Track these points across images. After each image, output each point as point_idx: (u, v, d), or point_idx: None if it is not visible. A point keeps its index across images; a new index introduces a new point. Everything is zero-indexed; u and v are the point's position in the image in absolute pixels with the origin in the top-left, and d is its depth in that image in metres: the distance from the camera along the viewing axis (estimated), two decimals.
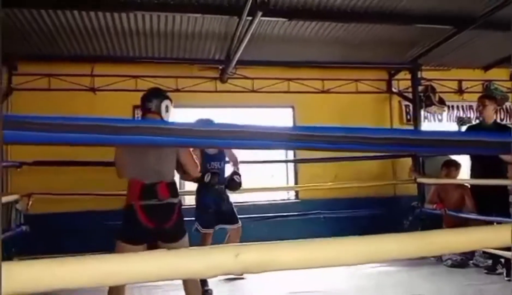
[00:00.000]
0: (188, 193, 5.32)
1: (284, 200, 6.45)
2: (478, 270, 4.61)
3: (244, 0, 4.03)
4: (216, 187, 4.11)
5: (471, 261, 4.76)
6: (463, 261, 4.76)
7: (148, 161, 2.77)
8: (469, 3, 4.45)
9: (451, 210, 4.94)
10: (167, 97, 2.98)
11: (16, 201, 4.57)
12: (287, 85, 6.30)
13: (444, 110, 6.60)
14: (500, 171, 4.24)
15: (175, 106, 3.09)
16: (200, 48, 5.46)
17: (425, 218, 5.40)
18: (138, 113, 6.07)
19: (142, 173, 2.78)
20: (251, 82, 6.18)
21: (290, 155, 6.35)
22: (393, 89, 6.69)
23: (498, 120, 5.80)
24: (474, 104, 6.01)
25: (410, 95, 6.45)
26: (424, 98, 6.31)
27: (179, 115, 5.11)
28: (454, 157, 5.46)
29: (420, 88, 6.32)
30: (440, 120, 6.81)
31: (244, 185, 4.31)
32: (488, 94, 5.58)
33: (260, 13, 4.02)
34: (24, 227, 4.59)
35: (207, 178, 3.90)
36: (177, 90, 5.79)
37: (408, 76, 6.43)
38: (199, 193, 4.22)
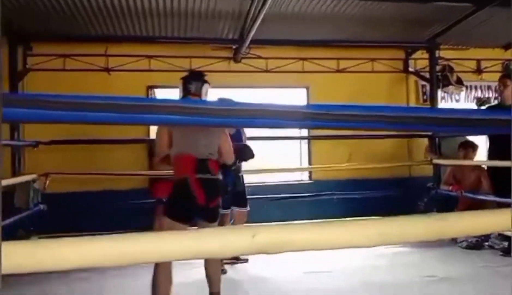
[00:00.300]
0: None
1: (297, 180, 6.45)
2: (493, 252, 4.58)
3: None
4: (233, 167, 4.10)
5: (486, 243, 4.73)
6: (478, 243, 4.73)
7: (199, 137, 2.78)
8: None
9: (468, 192, 4.89)
10: (207, 81, 3.04)
11: (33, 180, 4.65)
12: (302, 65, 6.23)
13: (462, 91, 6.48)
14: None
15: None
16: (214, 28, 5.41)
17: (440, 199, 5.35)
18: (152, 93, 6.10)
19: (194, 148, 2.78)
20: (264, 62, 6.12)
21: (304, 133, 6.31)
22: (410, 69, 6.57)
23: None
24: (493, 85, 5.89)
25: (427, 75, 6.33)
26: (441, 78, 6.20)
27: None
28: (471, 138, 5.38)
29: (438, 67, 6.21)
30: (457, 101, 6.70)
31: (258, 166, 4.31)
32: (510, 74, 5.44)
33: None
34: (42, 206, 4.68)
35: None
36: (191, 70, 5.77)
37: (426, 55, 6.30)
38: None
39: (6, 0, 4.34)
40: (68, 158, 5.40)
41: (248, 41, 5.40)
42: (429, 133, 5.67)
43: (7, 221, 4.00)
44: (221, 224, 4.05)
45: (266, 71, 6.11)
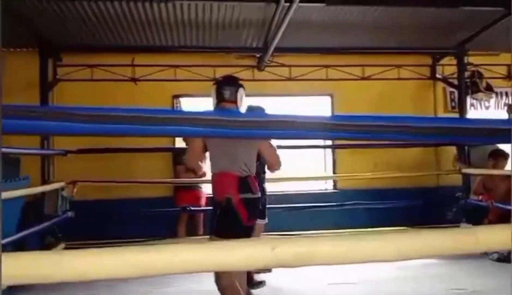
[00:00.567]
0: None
1: (322, 189, 6.39)
2: None
3: None
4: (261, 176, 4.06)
5: None
6: (510, 255, 4.55)
7: (238, 153, 2.71)
8: None
9: (498, 202, 4.73)
10: (242, 85, 2.91)
11: (62, 188, 4.76)
12: (326, 73, 6.18)
13: (491, 97, 6.29)
14: None
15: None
16: (238, 37, 5.45)
17: (470, 209, 5.20)
18: (178, 103, 6.18)
19: (235, 166, 2.72)
20: (288, 70, 6.11)
21: (328, 142, 6.25)
22: (437, 75, 6.43)
23: None
24: None
25: (455, 82, 6.19)
26: (470, 85, 6.04)
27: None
28: (502, 146, 5.21)
29: (466, 74, 6.05)
30: (487, 108, 6.52)
31: (282, 174, 4.27)
32: None
33: None
34: (70, 213, 4.78)
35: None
36: (215, 79, 5.82)
37: (454, 61, 6.16)
38: None
39: (35, 13, 4.49)
40: (95, 166, 5.51)
41: (271, 49, 5.41)
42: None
43: (36, 228, 4.11)
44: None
45: (290, 79, 6.10)
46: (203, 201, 5.47)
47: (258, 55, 5.92)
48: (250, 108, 3.66)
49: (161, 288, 3.91)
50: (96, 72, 5.77)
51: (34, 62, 5.28)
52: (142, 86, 5.84)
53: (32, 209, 4.55)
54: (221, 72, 5.91)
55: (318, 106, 6.41)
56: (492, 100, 6.44)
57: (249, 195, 2.72)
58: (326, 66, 6.16)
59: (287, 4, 4.14)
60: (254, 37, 5.49)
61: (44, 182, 5.07)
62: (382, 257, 1.18)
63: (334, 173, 6.28)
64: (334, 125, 1.39)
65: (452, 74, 6.26)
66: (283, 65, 6.08)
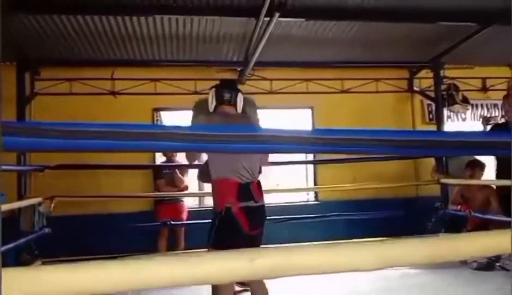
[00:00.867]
0: (207, 194, 5.33)
1: (303, 201, 6.40)
2: (505, 273, 4.47)
3: (261, 1, 4.01)
4: None
5: (497, 264, 4.62)
6: (489, 263, 4.62)
7: (238, 158, 2.62)
8: None
9: (476, 211, 4.81)
10: (240, 91, 2.91)
11: (39, 204, 4.65)
12: (306, 86, 6.25)
13: (468, 109, 6.44)
14: None
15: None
16: (218, 50, 5.47)
17: (448, 219, 5.27)
18: (158, 116, 6.14)
19: (237, 172, 2.63)
20: (269, 84, 6.16)
21: (310, 156, 6.29)
22: (415, 88, 6.57)
23: None
24: (499, 103, 5.85)
25: (432, 94, 6.32)
26: (447, 97, 6.17)
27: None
28: (479, 157, 5.32)
29: (443, 86, 6.18)
30: (464, 120, 6.67)
31: (264, 186, 4.26)
32: None
33: (277, 14, 3.99)
34: (46, 230, 4.66)
35: None
36: (196, 92, 5.81)
37: (430, 74, 6.29)
38: None
39: (14, 27, 4.43)
40: (74, 182, 5.40)
41: (252, 63, 5.45)
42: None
43: (11, 245, 3.99)
44: None
45: (271, 92, 6.14)
46: (184, 215, 5.41)
47: (239, 69, 5.95)
48: (245, 98, 3.68)
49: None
50: (75, 86, 5.70)
51: (11, 76, 5.19)
52: (122, 100, 5.79)
53: (8, 225, 4.42)
54: (202, 86, 5.92)
55: (298, 119, 6.46)
56: (469, 112, 6.58)
57: (251, 203, 2.62)
58: (307, 80, 6.23)
59: (267, 18, 4.18)
60: (235, 51, 5.52)
61: (20, 197, 4.95)
62: (361, 266, 1.18)
63: (315, 184, 6.30)
64: (316, 139, 1.40)
65: (429, 87, 6.39)
66: (264, 78, 6.12)
